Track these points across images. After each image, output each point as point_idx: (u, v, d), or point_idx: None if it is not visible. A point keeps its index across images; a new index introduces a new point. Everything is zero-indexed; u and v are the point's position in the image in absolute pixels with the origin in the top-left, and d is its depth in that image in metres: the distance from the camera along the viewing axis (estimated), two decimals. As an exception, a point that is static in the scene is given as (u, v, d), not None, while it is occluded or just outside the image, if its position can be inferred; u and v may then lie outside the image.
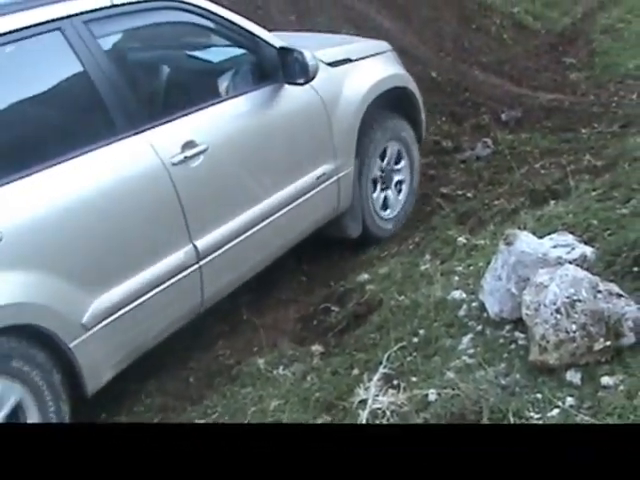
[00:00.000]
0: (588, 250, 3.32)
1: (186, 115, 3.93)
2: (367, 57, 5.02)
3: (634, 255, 3.27)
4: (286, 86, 4.34)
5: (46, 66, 3.64)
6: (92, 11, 3.68)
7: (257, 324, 4.35)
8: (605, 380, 2.73)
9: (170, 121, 3.85)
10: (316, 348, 3.87)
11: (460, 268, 4.03)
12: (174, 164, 3.76)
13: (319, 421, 3.25)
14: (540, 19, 8.52)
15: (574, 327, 2.82)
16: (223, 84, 4.27)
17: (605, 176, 4.63)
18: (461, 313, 3.52)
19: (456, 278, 3.89)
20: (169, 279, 3.74)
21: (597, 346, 2.80)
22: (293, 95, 4.39)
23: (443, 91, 7.17)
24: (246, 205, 4.15)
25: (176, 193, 3.76)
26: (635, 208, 3.74)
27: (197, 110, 3.98)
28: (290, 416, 3.33)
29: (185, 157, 3.81)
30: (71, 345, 3.35)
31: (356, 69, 4.87)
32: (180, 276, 3.79)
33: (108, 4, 3.75)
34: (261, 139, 4.26)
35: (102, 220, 3.50)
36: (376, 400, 3.09)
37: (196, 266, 3.86)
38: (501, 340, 3.20)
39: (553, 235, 3.44)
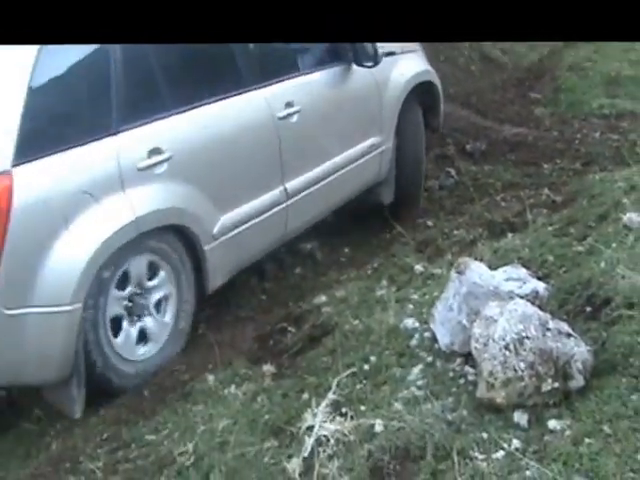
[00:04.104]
0: (540, 286, 3.21)
1: (285, 80, 4.70)
2: (407, 52, 5.76)
3: (587, 294, 3.17)
4: (353, 67, 5.12)
5: None
6: None
7: (213, 341, 4.19)
8: (552, 424, 2.61)
9: (277, 82, 4.63)
10: (268, 368, 3.72)
11: (415, 296, 3.90)
12: (279, 118, 4.54)
13: (266, 445, 3.10)
14: (508, 53, 8.45)
15: (522, 365, 2.70)
16: (307, 59, 5.02)
17: (563, 211, 4.54)
18: (413, 342, 3.39)
19: (410, 306, 3.77)
20: (268, 210, 4.50)
21: (545, 387, 2.67)
22: (357, 75, 5.18)
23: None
24: (322, 160, 4.93)
25: (279, 142, 4.53)
26: (591, 246, 3.64)
27: (291, 78, 4.76)
28: (238, 438, 3.18)
29: (287, 114, 4.58)
30: (205, 248, 4.13)
31: (400, 61, 5.63)
32: (275, 210, 4.55)
33: None
34: (336, 107, 5.06)
35: (233, 154, 4.28)
36: (322, 427, 2.97)
37: (284, 204, 4.61)
38: (450, 373, 3.08)
39: (506, 268, 3.33)
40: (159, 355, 4.05)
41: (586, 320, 3.06)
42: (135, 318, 3.96)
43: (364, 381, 3.25)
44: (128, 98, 3.84)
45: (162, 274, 4.03)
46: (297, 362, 3.80)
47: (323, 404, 3.12)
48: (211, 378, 3.79)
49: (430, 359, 3.21)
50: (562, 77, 8.09)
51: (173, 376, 4.02)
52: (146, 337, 4.01)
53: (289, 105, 4.60)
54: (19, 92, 3.50)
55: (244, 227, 4.37)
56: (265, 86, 4.54)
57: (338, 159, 5.06)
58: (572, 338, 2.79)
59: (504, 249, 3.98)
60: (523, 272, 3.31)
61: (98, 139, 3.70)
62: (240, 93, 4.39)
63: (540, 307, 3.00)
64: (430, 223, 5.57)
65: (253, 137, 4.42)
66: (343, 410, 3.06)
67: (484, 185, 6.05)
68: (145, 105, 3.96)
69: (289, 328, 4.19)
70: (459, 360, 3.10)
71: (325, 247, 5.49)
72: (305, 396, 3.34)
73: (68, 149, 3.58)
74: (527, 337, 2.75)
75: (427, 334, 3.37)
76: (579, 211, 4.36)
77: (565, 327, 2.84)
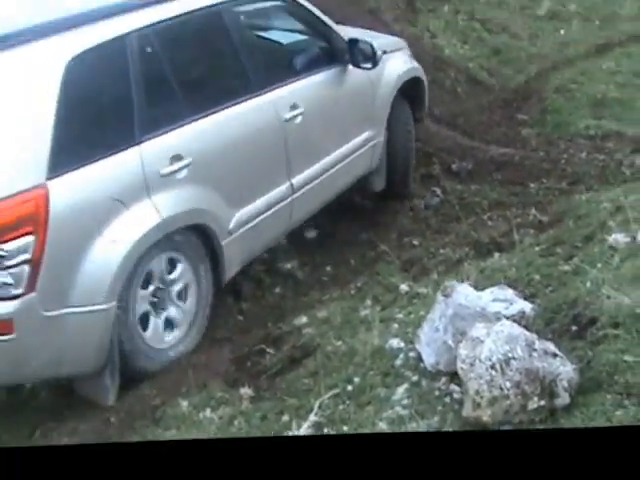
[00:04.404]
0: (527, 306, 3.24)
1: (289, 83, 5.06)
2: (396, 51, 6.20)
3: (573, 314, 3.21)
4: (349, 67, 5.49)
5: (211, 42, 4.81)
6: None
7: (186, 363, 4.18)
8: (538, 441, 2.63)
9: (282, 86, 4.99)
10: (245, 391, 3.71)
11: (400, 316, 3.92)
12: (285, 120, 4.92)
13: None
14: (495, 75, 8.49)
15: (508, 385, 2.74)
16: (308, 62, 5.34)
17: (550, 231, 4.59)
18: (398, 362, 3.41)
19: (395, 326, 3.79)
20: (276, 205, 4.89)
21: (531, 405, 2.71)
22: (353, 74, 5.55)
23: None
24: (323, 155, 5.34)
25: (285, 142, 4.92)
26: (577, 266, 3.69)
27: (295, 81, 5.12)
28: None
29: (293, 115, 4.96)
30: (222, 243, 4.48)
31: (391, 59, 6.00)
32: (282, 204, 4.93)
33: None
34: (335, 106, 5.46)
35: (245, 155, 4.65)
36: (303, 449, 2.96)
37: (290, 198, 5.00)
38: (436, 392, 3.11)
39: (493, 289, 3.36)
40: (182, 342, 4.38)
41: (572, 339, 3.10)
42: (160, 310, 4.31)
43: (347, 402, 3.26)
44: (148, 109, 4.19)
45: (184, 273, 4.40)
46: (276, 384, 3.80)
47: (305, 426, 3.13)
48: (184, 403, 3.77)
49: (415, 378, 3.23)
50: (549, 99, 8.14)
51: (143, 401, 3.99)
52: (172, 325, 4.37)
53: (294, 107, 4.99)
54: (49, 110, 3.76)
55: (255, 221, 4.75)
56: (271, 90, 4.91)
57: (336, 154, 5.48)
58: (558, 358, 2.84)
59: (491, 269, 4.02)
60: (510, 293, 3.35)
61: (123, 149, 4.03)
62: (249, 98, 4.75)
63: (526, 327, 3.04)
64: (416, 242, 5.60)
65: (262, 138, 4.81)
66: (325, 431, 3.06)
67: (470, 204, 6.09)
68: (164, 115, 4.29)
69: (268, 350, 4.18)
70: (444, 379, 3.13)
71: (306, 266, 5.49)
72: (285, 418, 3.35)
73: (97, 160, 3.90)
74: (513, 357, 2.79)
75: (412, 354, 3.39)
76: (565, 231, 4.42)
77: (551, 347, 2.89)
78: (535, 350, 2.83)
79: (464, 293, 3.21)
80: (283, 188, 4.95)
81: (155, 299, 4.24)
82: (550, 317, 3.27)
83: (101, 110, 4.06)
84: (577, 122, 7.63)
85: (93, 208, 3.85)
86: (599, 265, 3.60)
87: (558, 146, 7.20)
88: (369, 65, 5.45)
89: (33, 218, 3.59)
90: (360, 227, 5.99)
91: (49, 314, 3.68)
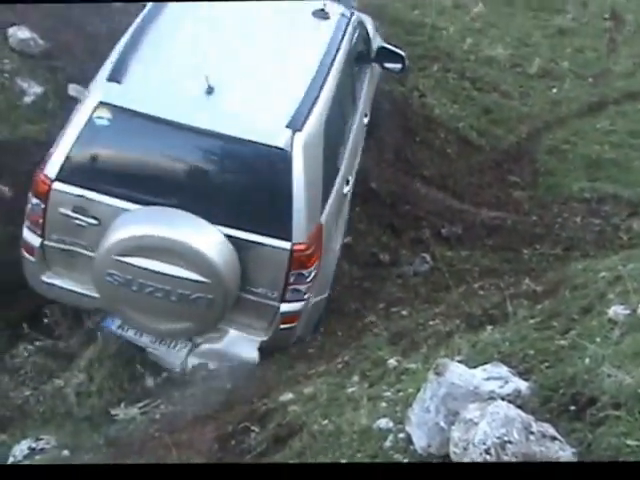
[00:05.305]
0: (522, 385, 3.21)
1: (363, 95, 6.72)
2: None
3: (571, 392, 3.17)
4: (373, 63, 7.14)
5: (347, 74, 6.17)
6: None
7: (169, 442, 4.14)
8: (534, 533, 2.60)
9: (361, 98, 6.65)
10: (230, 474, 3.65)
11: (389, 393, 3.90)
12: (365, 125, 6.78)
13: None
14: (485, 136, 8.54)
15: (505, 471, 2.69)
16: (365, 72, 6.90)
17: (545, 303, 4.58)
18: (387, 444, 3.38)
19: (384, 404, 3.77)
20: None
21: (529, 493, 2.66)
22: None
23: (383, 202, 7.18)
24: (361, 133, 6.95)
25: (356, 138, 6.54)
26: (574, 340, 3.66)
27: (363, 89, 6.76)
28: None
29: (367, 121, 6.84)
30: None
31: None
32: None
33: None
34: (368, 98, 7.05)
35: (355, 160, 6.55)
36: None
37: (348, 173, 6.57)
38: (427, 477, 3.05)
39: (486, 366, 3.33)
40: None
41: (570, 420, 3.06)
42: None
43: (334, 486, 3.22)
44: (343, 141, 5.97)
45: None
46: (262, 465, 3.76)
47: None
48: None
49: (406, 462, 3.19)
50: (541, 160, 8.21)
51: (124, 479, 3.95)
52: None
53: (366, 115, 6.75)
54: (320, 170, 5.37)
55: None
56: (360, 101, 6.53)
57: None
58: (557, 442, 2.81)
59: (483, 343, 4.00)
60: (504, 370, 3.31)
61: (335, 178, 5.71)
62: (355, 113, 6.40)
63: (522, 407, 3.01)
64: (404, 312, 5.61)
65: (359, 143, 6.57)
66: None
67: (461, 272, 6.13)
68: (344, 144, 6.00)
69: (253, 427, 4.17)
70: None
71: (292, 336, 5.49)
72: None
73: (330, 194, 5.59)
74: (509, 441, 2.75)
75: (402, 435, 3.35)
76: (562, 303, 4.41)
77: (549, 430, 2.85)
78: (532, 433, 2.79)
79: (457, 372, 3.18)
80: (353, 174, 6.53)
81: None
82: (547, 396, 3.23)
83: (333, 154, 5.68)
84: (571, 184, 7.70)
85: (330, 229, 5.57)
86: (598, 340, 3.57)
87: (552, 210, 7.25)
88: (399, 66, 7.04)
89: (318, 247, 5.33)
90: (348, 295, 6.00)
91: (308, 306, 5.42)
